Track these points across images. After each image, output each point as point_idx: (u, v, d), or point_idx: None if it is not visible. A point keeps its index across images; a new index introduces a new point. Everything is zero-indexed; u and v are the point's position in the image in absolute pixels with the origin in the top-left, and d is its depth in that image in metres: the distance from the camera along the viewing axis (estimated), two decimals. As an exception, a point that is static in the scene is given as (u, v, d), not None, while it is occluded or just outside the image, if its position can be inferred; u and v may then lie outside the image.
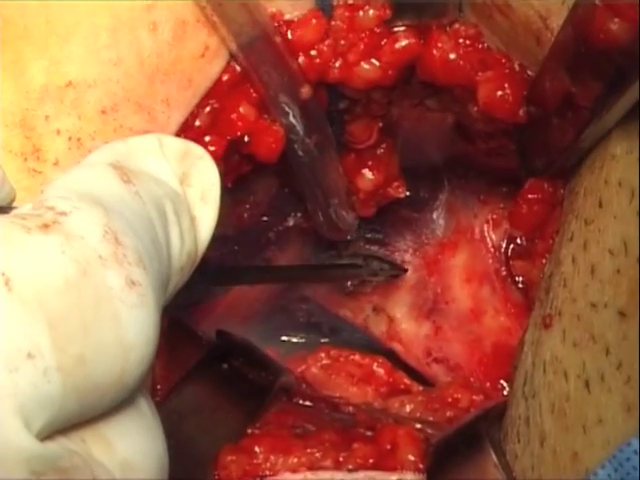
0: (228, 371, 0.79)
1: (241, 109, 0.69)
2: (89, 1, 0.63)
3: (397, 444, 0.69)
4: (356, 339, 0.92)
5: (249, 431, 0.73)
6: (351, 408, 0.80)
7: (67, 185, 0.46)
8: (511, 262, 0.83)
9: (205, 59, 0.67)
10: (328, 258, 0.92)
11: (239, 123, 0.70)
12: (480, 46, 0.70)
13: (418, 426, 0.73)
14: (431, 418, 0.79)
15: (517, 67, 0.70)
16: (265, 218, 0.88)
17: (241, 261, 0.90)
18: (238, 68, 0.69)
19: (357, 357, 0.89)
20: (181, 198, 0.51)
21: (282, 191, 0.84)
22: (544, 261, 0.76)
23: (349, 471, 0.68)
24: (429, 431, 0.72)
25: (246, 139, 0.71)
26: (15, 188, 0.51)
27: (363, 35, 0.70)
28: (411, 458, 0.68)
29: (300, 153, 0.73)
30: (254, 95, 0.70)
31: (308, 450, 0.69)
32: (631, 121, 0.61)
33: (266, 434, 0.72)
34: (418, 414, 0.80)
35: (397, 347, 0.90)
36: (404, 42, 0.70)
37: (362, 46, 0.70)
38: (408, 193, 0.87)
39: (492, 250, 0.89)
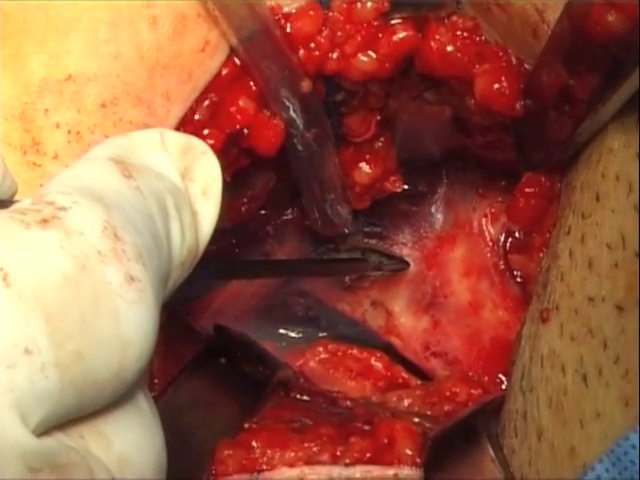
0: (226, 365, 0.79)
1: (240, 102, 0.69)
2: (88, -5, 0.63)
3: (394, 438, 0.68)
4: (354, 333, 0.91)
5: (246, 425, 0.73)
6: (349, 402, 0.80)
7: (67, 180, 0.45)
8: (509, 256, 0.84)
9: (205, 53, 0.67)
10: (326, 251, 0.92)
11: (238, 116, 0.69)
12: (477, 39, 0.70)
13: (416, 420, 0.73)
14: (429, 412, 0.79)
15: (514, 60, 0.70)
16: (263, 212, 0.88)
17: (239, 254, 0.90)
18: (238, 62, 0.68)
19: (355, 351, 0.89)
20: (182, 193, 0.50)
21: (280, 185, 0.84)
22: (542, 255, 0.76)
23: (346, 465, 0.68)
24: (427, 425, 0.72)
25: (245, 132, 0.70)
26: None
27: (360, 27, 0.70)
28: (408, 452, 0.68)
29: (299, 147, 0.73)
30: (254, 89, 0.69)
31: (305, 444, 0.69)
32: (629, 115, 0.61)
33: (263, 428, 0.72)
34: (416, 408, 0.80)
35: (395, 341, 0.90)
36: (402, 34, 0.70)
37: (359, 38, 0.70)
38: (406, 187, 0.87)
39: (490, 244, 0.89)
